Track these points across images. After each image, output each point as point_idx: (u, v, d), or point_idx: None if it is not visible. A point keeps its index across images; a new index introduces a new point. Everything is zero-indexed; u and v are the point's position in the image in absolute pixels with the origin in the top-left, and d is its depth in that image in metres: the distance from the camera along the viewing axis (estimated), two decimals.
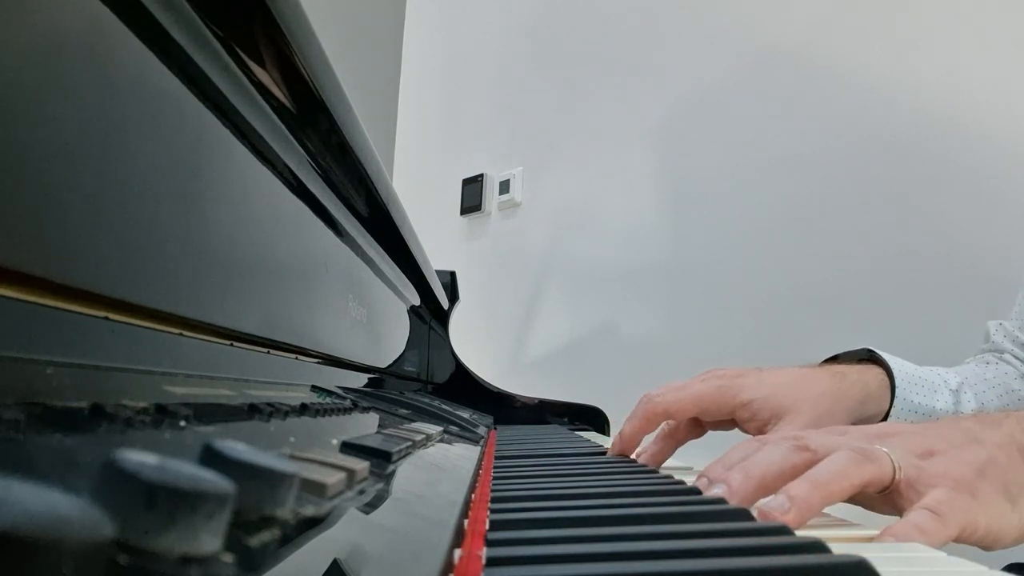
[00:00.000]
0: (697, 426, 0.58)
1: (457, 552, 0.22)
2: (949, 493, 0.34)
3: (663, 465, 0.55)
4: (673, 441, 0.56)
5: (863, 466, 0.34)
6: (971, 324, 0.85)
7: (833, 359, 0.68)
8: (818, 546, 0.23)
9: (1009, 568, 0.50)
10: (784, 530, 0.25)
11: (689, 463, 0.57)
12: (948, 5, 1.11)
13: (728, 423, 0.58)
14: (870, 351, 0.66)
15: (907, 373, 0.64)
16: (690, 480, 0.39)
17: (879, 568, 0.20)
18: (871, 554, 0.21)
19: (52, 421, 0.14)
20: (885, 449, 0.36)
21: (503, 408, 1.07)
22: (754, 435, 0.53)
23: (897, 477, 0.35)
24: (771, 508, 0.33)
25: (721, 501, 0.33)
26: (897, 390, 0.63)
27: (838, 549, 0.22)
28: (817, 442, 0.37)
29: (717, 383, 0.56)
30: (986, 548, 0.34)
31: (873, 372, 0.64)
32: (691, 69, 1.43)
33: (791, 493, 0.33)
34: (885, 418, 0.62)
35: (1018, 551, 0.51)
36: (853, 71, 1.19)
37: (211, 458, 0.13)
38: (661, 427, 0.57)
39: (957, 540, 0.32)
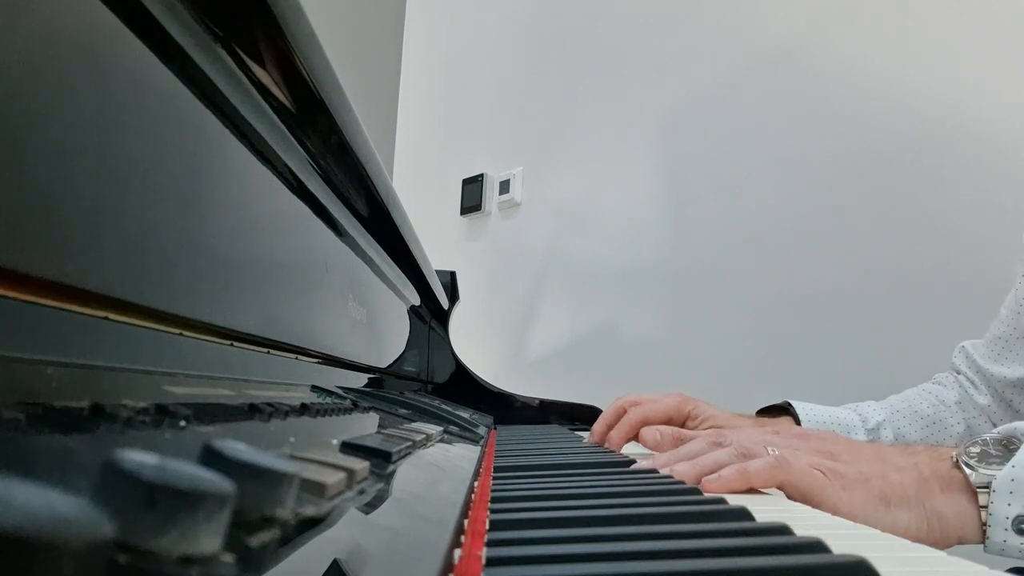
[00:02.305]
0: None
1: (457, 552, 0.22)
2: (814, 471, 0.43)
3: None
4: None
5: (735, 458, 0.45)
6: (969, 324, 0.86)
7: (765, 411, 0.83)
8: (818, 546, 0.23)
9: (1012, 571, 0.50)
10: (784, 530, 0.25)
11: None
12: (947, 6, 1.11)
13: (680, 426, 0.73)
14: (787, 403, 0.81)
15: (817, 420, 0.79)
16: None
17: (879, 568, 0.20)
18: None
19: (52, 421, 0.14)
20: (772, 449, 0.46)
21: (503, 408, 1.07)
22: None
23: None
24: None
25: (721, 500, 0.33)
26: None
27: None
28: (731, 439, 0.48)
29: (679, 399, 0.77)
30: None
31: (785, 423, 0.79)
32: (691, 69, 1.43)
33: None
34: None
35: None
36: (853, 72, 1.19)
37: (211, 458, 0.13)
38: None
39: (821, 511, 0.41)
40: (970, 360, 0.81)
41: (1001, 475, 0.41)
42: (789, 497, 0.43)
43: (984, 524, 0.42)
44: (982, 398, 0.79)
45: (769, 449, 0.45)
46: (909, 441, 0.79)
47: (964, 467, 0.43)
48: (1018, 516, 0.41)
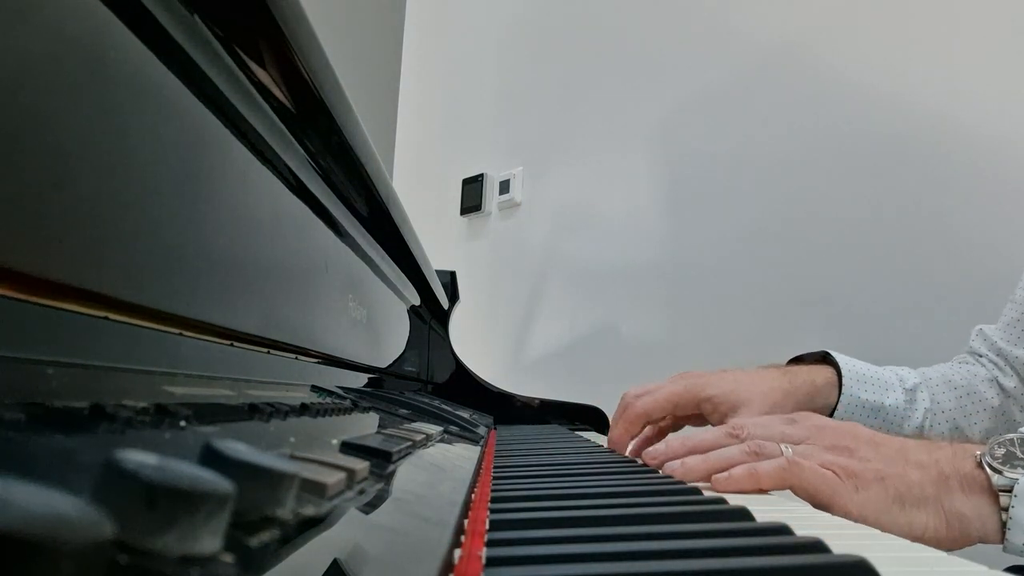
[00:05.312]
0: (674, 421, 0.70)
1: (457, 552, 0.22)
2: (826, 473, 0.42)
3: None
4: (659, 437, 0.68)
5: (747, 455, 0.45)
6: (970, 323, 0.86)
7: (797, 359, 0.79)
8: (818, 546, 0.23)
9: (1011, 570, 0.51)
10: (784, 530, 0.25)
11: None
12: (947, 6, 1.11)
13: (697, 417, 0.68)
14: (826, 352, 0.76)
15: (858, 373, 0.75)
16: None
17: (879, 568, 0.20)
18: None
19: (52, 421, 0.14)
20: (786, 447, 0.45)
21: (503, 408, 1.07)
22: (716, 425, 0.63)
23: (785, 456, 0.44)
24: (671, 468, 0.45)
25: (721, 501, 0.33)
26: (844, 387, 0.73)
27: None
28: (748, 431, 0.47)
29: (684, 383, 0.67)
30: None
31: (823, 371, 0.75)
32: (691, 69, 1.43)
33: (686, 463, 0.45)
34: (833, 410, 0.73)
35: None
36: (853, 72, 1.19)
37: (211, 458, 0.13)
38: (647, 429, 0.69)
39: (833, 513, 0.40)
40: (990, 343, 0.79)
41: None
42: (799, 497, 0.43)
43: (1005, 527, 0.42)
44: (1008, 380, 0.76)
45: (784, 447, 0.45)
46: (944, 409, 0.77)
47: (988, 468, 0.43)
48: None
